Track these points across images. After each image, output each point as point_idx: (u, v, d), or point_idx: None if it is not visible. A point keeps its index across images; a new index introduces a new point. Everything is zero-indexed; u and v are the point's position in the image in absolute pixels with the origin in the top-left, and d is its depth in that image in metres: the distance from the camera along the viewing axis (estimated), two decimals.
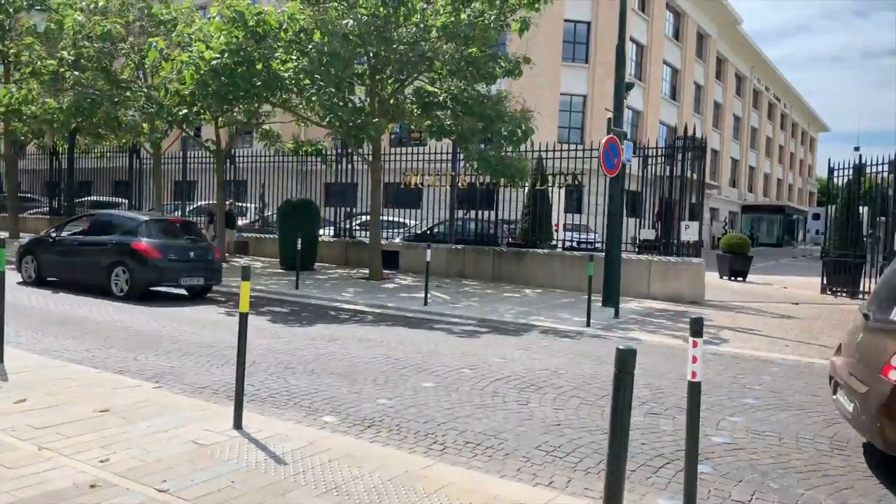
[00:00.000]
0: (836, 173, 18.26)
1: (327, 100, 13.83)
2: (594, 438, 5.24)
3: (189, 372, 6.90)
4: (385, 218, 20.93)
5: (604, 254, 13.75)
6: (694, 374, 3.60)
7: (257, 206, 24.29)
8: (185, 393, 6.06)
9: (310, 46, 13.48)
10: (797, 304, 15.84)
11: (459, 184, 17.90)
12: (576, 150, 17.26)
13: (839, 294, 17.67)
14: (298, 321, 10.61)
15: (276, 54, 13.75)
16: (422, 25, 14.46)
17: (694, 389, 3.61)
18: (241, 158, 22.94)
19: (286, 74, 14.01)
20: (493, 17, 14.50)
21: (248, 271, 4.93)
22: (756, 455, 5.07)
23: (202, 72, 13.22)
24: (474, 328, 10.45)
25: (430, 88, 15.83)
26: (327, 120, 13.85)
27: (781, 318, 13.26)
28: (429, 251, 12.71)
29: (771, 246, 52.20)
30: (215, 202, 19.38)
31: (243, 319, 4.95)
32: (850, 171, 17.34)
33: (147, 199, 24.64)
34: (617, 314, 11.96)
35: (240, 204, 23.93)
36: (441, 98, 15.30)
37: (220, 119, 18.95)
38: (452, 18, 14.59)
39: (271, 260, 20.24)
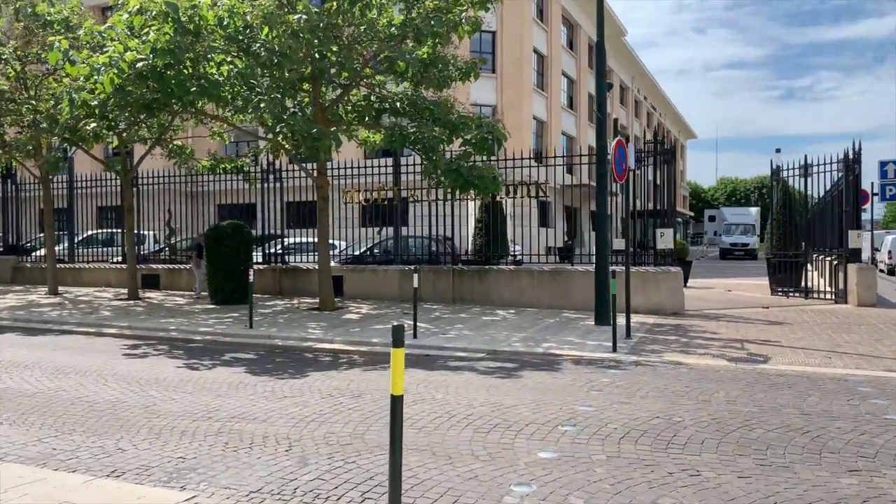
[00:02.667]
0: (782, 174, 18.32)
1: (276, 107, 11.90)
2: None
3: (210, 465, 4.98)
4: (304, 240, 19.02)
5: (594, 269, 12.69)
6: None
7: (161, 233, 21.49)
8: None
9: (257, 45, 11.53)
10: (767, 307, 15.52)
11: (410, 197, 16.33)
12: (530, 159, 16.19)
13: (790, 294, 17.66)
14: (282, 371, 8.70)
15: (213, 55, 11.67)
16: (379, 23, 12.84)
17: None
18: (112, 182, 20.03)
19: (220, 79, 11.92)
20: (446, 16, 13.13)
21: (400, 333, 3.26)
22: None
23: (125, 76, 10.92)
24: (496, 364, 8.97)
25: (386, 92, 14.22)
26: (277, 130, 11.89)
27: (773, 324, 12.71)
28: (415, 276, 11.08)
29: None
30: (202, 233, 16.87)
31: (396, 403, 3.26)
32: (797, 170, 17.37)
33: (27, 228, 21.23)
34: (628, 334, 10.86)
35: (145, 233, 21.03)
36: (398, 104, 13.73)
37: (124, 135, 16.37)
38: (405, 16, 13.12)
39: (192, 294, 17.72)
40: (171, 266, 19.20)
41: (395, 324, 3.39)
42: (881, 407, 6.52)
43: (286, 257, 18.00)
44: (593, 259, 16.36)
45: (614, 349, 9.61)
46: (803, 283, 17.76)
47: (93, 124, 13.32)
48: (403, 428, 5.80)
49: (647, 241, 15.07)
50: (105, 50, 11.47)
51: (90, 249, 21.66)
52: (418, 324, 12.30)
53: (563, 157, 14.85)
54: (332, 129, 12.31)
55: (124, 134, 16.29)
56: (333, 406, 6.68)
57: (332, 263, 17.47)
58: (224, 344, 10.94)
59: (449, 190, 14.92)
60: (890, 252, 29.20)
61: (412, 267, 16.27)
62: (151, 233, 22.24)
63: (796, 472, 4.68)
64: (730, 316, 13.99)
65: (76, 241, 21.73)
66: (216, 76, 11.95)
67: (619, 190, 15.85)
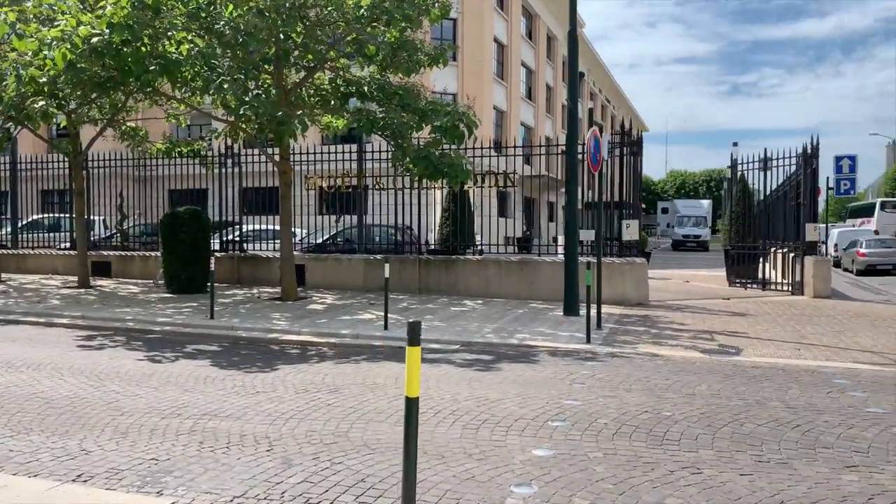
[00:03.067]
0: (740, 167, 18.57)
1: (239, 88, 11.40)
2: None
3: (187, 467, 4.64)
4: (262, 227, 18.48)
5: (563, 259, 12.60)
6: None
7: (113, 219, 20.59)
8: None
9: (220, 23, 11.01)
10: (728, 299, 15.73)
11: (376, 185, 15.97)
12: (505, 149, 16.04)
13: (747, 285, 17.94)
14: (250, 364, 8.33)
15: (173, 32, 11.09)
16: (347, 4, 12.42)
17: None
18: (59, 164, 19.12)
19: (180, 58, 11.34)
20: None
21: (417, 330, 3.01)
22: None
23: (78, 51, 10.28)
24: (473, 356, 8.77)
25: (351, 76, 13.82)
26: (241, 112, 11.39)
27: (737, 315, 12.86)
28: (387, 266, 10.77)
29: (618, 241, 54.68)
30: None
31: (411, 405, 3.01)
32: (756, 164, 17.61)
33: None
34: (599, 325, 10.79)
35: (94, 218, 20.11)
36: (366, 88, 13.35)
37: (73, 115, 15.57)
38: None
39: (146, 282, 17.04)
40: (123, 253, 18.41)
41: (411, 320, 3.12)
42: (861, 399, 6.55)
43: (244, 245, 17.44)
44: (556, 249, 16.44)
45: (588, 340, 9.51)
46: (760, 275, 18.08)
47: (41, 102, 12.55)
48: (388, 425, 5.58)
49: (612, 233, 15.07)
50: (56, 24, 10.78)
51: (35, 235, 20.63)
52: (378, 312, 12.06)
53: (539, 146, 14.65)
54: (299, 113, 11.86)
55: (73, 114, 15.50)
56: (311, 402, 6.37)
57: (294, 252, 17.01)
58: (184, 335, 10.47)
59: (416, 178, 14.66)
60: (836, 245, 30.10)
61: (378, 256, 15.98)
62: (100, 218, 21.31)
63: (796, 469, 4.61)
64: (693, 307, 14.11)
65: (19, 225, 20.67)
66: (176, 55, 11.38)
67: (588, 181, 15.84)
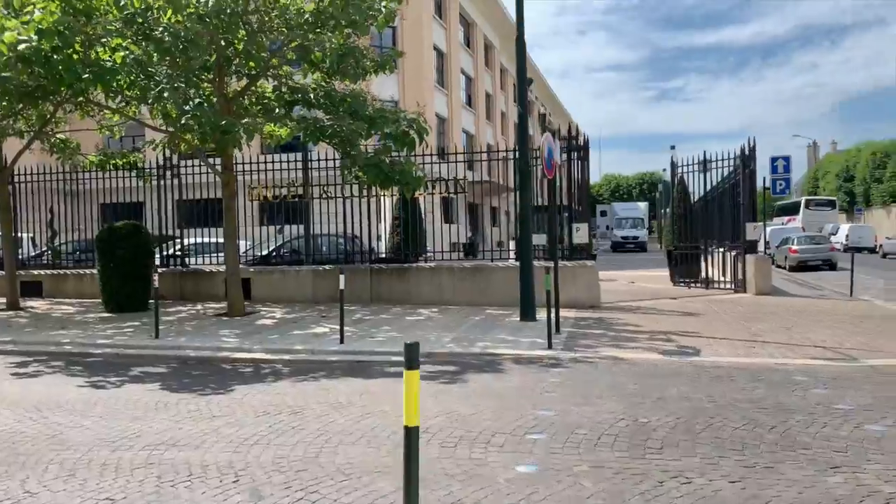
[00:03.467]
0: (679, 169, 18.92)
1: (180, 97, 10.87)
2: None
3: None
4: (203, 240, 17.83)
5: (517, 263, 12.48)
6: None
7: (41, 236, 19.51)
8: None
9: (159, 29, 10.48)
10: (675, 298, 15.95)
11: (323, 194, 15.56)
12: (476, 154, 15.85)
13: (691, 285, 18.27)
14: (203, 385, 7.87)
15: (108, 38, 10.51)
16: (291, 9, 12.04)
17: None
18: None
19: (115, 65, 10.74)
20: (364, 4, 12.49)
21: (415, 352, 2.75)
22: None
23: (4, 59, 9.60)
24: (436, 367, 8.50)
25: (293, 83, 13.41)
26: (182, 122, 10.86)
27: (687, 315, 13.01)
28: (342, 277, 10.41)
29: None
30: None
31: (411, 435, 2.74)
32: (696, 166, 17.97)
33: None
34: (557, 329, 10.70)
35: (22, 235, 18.94)
36: (312, 96, 12.97)
37: None
38: (317, 4, 12.38)
39: (82, 301, 16.15)
40: (55, 271, 17.42)
41: (408, 342, 2.86)
42: (826, 397, 6.60)
43: (186, 259, 16.74)
44: (508, 255, 16.36)
45: (549, 346, 9.40)
46: (703, 274, 18.44)
47: None
48: (360, 448, 5.28)
49: (560, 237, 15.06)
50: None
51: None
52: (332, 325, 11.71)
53: (489, 152, 14.53)
54: (244, 121, 11.40)
55: None
56: (273, 425, 6.00)
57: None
58: (128, 357, 9.87)
59: (366, 186, 14.36)
60: (767, 243, 31.15)
61: (326, 267, 15.57)
62: (27, 234, 20.15)
63: (783, 473, 4.53)
64: (644, 308, 14.22)
65: None
66: (110, 63, 10.79)
67: (538, 186, 15.85)
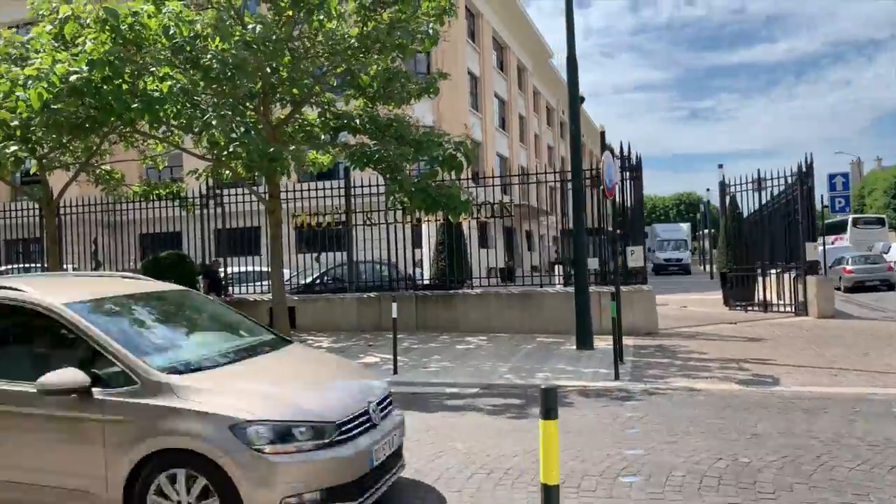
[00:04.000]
0: (731, 188, 18.36)
1: (227, 125, 10.76)
2: None
3: None
4: (245, 269, 17.72)
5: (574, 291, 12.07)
6: None
7: (83, 267, 19.61)
8: None
9: (208, 56, 10.41)
10: (734, 323, 15.33)
11: (366, 220, 15.37)
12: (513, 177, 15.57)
13: (748, 308, 17.59)
14: None
15: (156, 67, 10.46)
16: (338, 34, 11.94)
17: None
18: (25, 211, 18.37)
19: (161, 94, 10.67)
20: (410, 27, 12.34)
21: (554, 399, 2.39)
22: None
23: (56, 90, 9.59)
24: (499, 400, 8.11)
25: (336, 110, 13.28)
26: (230, 150, 10.73)
27: (752, 341, 12.45)
28: (394, 305, 10.16)
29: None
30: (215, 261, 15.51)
31: (551, 496, 2.38)
32: (749, 184, 17.40)
33: None
34: (621, 358, 10.22)
35: (66, 267, 19.05)
36: (358, 121, 12.81)
37: (44, 160, 14.74)
38: (360, 29, 12.26)
39: None
40: None
41: (544, 386, 2.51)
42: None
43: (229, 288, 16.63)
44: (554, 279, 15.92)
45: (616, 376, 8.95)
46: (760, 297, 17.77)
47: (13, 147, 11.74)
48: (441, 492, 4.91)
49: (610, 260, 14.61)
50: (30, 62, 10.09)
51: None
52: (382, 354, 11.41)
53: (538, 174, 14.11)
54: (292, 148, 11.26)
55: (45, 159, 14.65)
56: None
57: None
58: None
59: (411, 212, 14.13)
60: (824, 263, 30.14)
61: (370, 294, 15.31)
62: (71, 266, 20.30)
63: None
64: (705, 334, 13.66)
65: None
66: (157, 92, 10.74)
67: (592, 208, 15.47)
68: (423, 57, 33.59)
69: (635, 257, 13.77)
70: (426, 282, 15.98)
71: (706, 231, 65.62)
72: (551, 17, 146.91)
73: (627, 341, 12.43)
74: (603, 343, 12.17)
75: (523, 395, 8.30)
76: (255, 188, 13.44)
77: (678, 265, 44.40)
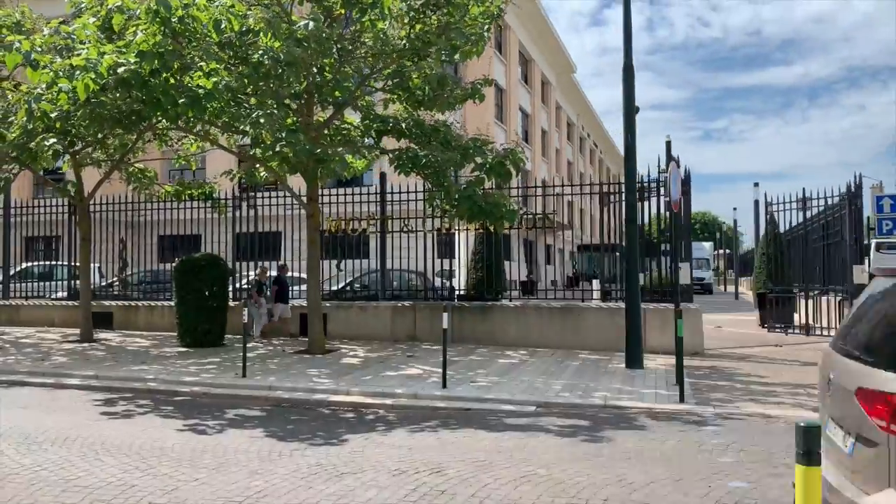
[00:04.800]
0: (772, 207, 17.87)
1: (275, 123, 10.39)
2: None
3: None
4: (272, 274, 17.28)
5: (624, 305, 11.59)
6: None
7: (108, 266, 19.28)
8: None
9: (259, 52, 10.06)
10: (779, 346, 14.77)
11: (404, 227, 14.98)
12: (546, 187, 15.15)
13: (788, 331, 17.03)
14: (310, 433, 7.12)
15: (205, 61, 10.11)
16: (390, 35, 11.59)
17: None
18: (48, 207, 18.21)
19: (207, 90, 10.29)
20: (466, 29, 11.95)
21: (816, 440, 1.93)
22: None
23: (103, 82, 9.24)
24: (564, 420, 7.63)
25: (382, 114, 12.92)
26: (276, 149, 10.35)
27: (806, 365, 11.90)
28: (445, 315, 9.71)
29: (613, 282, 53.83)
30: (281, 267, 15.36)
31: None
32: (793, 203, 16.91)
33: None
34: (680, 380, 9.71)
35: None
36: (404, 125, 12.43)
37: (77, 156, 14.45)
38: (408, 31, 11.90)
39: (154, 334, 15.69)
40: (126, 303, 17.09)
41: (805, 423, 2.05)
42: None
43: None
44: (591, 294, 15.45)
45: (682, 399, 8.45)
46: (801, 320, 17.21)
47: (52, 140, 11.43)
48: None
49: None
50: (77, 53, 9.74)
51: (26, 284, 19.20)
52: (435, 369, 10.92)
53: (592, 185, 13.60)
54: (340, 150, 10.87)
55: (77, 155, 14.35)
56: (417, 488, 5.20)
57: (302, 301, 15.80)
58: (218, 397, 9.23)
59: (449, 220, 13.72)
60: None
61: (405, 303, 14.88)
62: (95, 265, 19.97)
63: None
64: (752, 356, 13.13)
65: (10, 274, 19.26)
66: (202, 88, 10.38)
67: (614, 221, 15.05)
68: (450, 67, 33.32)
69: (682, 274, 13.25)
70: (461, 292, 15.50)
71: (724, 251, 64.76)
72: (565, 32, 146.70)
73: (671, 360, 11.94)
74: (651, 362, 11.67)
75: (585, 416, 7.82)
76: (285, 192, 13.05)
77: (700, 284, 43.73)
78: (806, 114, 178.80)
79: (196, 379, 10.07)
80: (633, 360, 11.14)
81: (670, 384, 9.69)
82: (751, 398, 8.77)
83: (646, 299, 13.72)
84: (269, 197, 16.00)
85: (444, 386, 9.27)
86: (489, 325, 14.17)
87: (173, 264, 14.18)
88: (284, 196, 13.79)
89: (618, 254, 14.87)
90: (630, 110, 11.39)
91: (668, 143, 9.58)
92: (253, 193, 16.06)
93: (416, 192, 14.99)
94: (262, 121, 10.14)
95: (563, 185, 15.90)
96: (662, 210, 14.16)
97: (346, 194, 15.47)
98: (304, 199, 12.84)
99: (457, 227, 14.92)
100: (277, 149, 10.37)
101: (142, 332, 16.02)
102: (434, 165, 11.66)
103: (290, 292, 15.43)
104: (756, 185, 26.20)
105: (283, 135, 10.55)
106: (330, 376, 10.24)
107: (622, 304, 13.69)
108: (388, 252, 15.58)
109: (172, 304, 16.36)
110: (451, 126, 12.70)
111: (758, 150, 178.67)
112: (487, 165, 11.81)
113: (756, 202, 20.04)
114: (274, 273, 15.37)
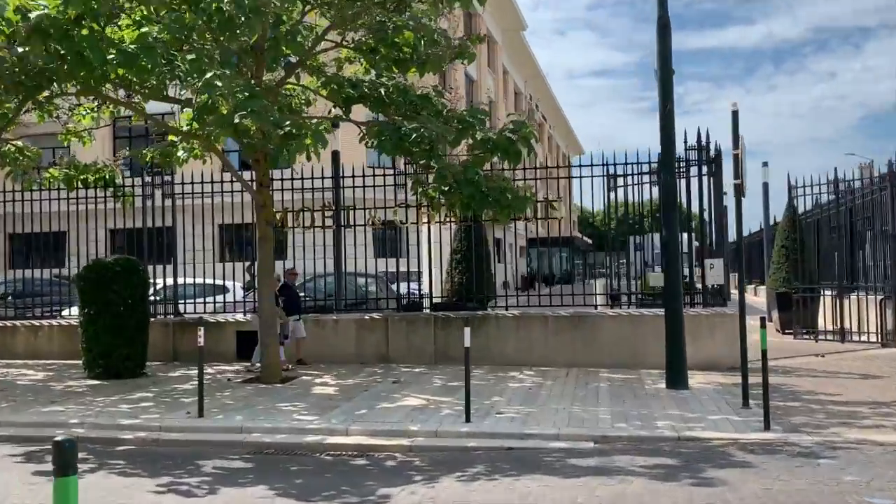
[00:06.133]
0: (797, 191, 18.39)
1: (235, 86, 9.78)
2: None
3: None
4: (193, 281, 16.51)
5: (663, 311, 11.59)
6: None
7: None
8: None
9: None
10: (820, 355, 15.17)
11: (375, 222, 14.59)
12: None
13: (819, 338, 17.55)
14: (333, 490, 6.69)
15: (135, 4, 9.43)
16: None
17: None
18: None
19: (144, 45, 9.62)
20: None
21: None
22: None
23: (10, 31, 8.44)
24: (646, 459, 7.46)
25: (354, 77, 12.47)
26: (236, 120, 9.71)
27: (866, 378, 12.30)
28: (467, 330, 9.42)
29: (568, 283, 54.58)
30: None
31: None
32: (825, 187, 17.44)
33: None
34: (746, 402, 9.78)
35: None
36: (383, 91, 12.01)
37: None
38: None
39: (44, 364, 14.65)
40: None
41: None
42: None
43: (178, 306, 15.42)
44: (595, 298, 15.40)
45: (766, 426, 8.46)
46: (825, 323, 17.84)
47: None
48: None
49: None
50: None
51: None
52: (439, 398, 10.64)
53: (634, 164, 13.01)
54: (314, 122, 10.36)
55: None
56: None
57: (238, 316, 15.16)
58: (176, 444, 8.63)
59: (435, 209, 13.42)
60: None
61: (373, 315, 14.46)
62: None
63: None
64: (797, 369, 13.44)
65: None
66: (123, 43, 9.69)
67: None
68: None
69: (714, 272, 13.42)
70: (436, 300, 15.18)
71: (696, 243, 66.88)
72: None
73: (717, 378, 12.15)
74: (691, 380, 11.70)
75: (661, 451, 7.71)
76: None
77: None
78: (771, 81, 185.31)
79: (137, 422, 9.39)
80: (677, 379, 11.17)
81: (734, 407, 9.75)
82: (840, 421, 8.90)
83: (658, 304, 13.82)
84: (192, 184, 15.17)
85: (468, 420, 8.98)
86: (482, 339, 13.86)
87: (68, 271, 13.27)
88: (237, 180, 12.96)
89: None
90: (667, 75, 11.39)
91: (735, 113, 9.55)
92: (169, 180, 15.26)
93: (372, 175, 14.66)
94: (218, 83, 9.51)
95: (558, 167, 15.81)
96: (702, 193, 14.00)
97: (292, 179, 14.84)
98: (253, 185, 12.25)
99: (426, 220, 14.63)
100: (237, 119, 9.75)
101: (25, 361, 14.92)
102: (426, 141, 11.28)
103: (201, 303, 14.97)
104: (765, 164, 26.99)
105: (242, 100, 9.93)
106: (311, 412, 9.76)
107: (640, 311, 13.79)
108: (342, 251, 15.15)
109: (58, 322, 15.48)
110: (450, 92, 12.42)
111: (716, 125, 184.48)
112: (492, 143, 11.57)
113: (765, 185, 20.70)
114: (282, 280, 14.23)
